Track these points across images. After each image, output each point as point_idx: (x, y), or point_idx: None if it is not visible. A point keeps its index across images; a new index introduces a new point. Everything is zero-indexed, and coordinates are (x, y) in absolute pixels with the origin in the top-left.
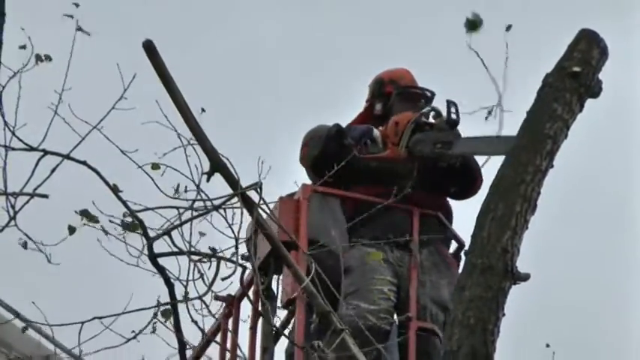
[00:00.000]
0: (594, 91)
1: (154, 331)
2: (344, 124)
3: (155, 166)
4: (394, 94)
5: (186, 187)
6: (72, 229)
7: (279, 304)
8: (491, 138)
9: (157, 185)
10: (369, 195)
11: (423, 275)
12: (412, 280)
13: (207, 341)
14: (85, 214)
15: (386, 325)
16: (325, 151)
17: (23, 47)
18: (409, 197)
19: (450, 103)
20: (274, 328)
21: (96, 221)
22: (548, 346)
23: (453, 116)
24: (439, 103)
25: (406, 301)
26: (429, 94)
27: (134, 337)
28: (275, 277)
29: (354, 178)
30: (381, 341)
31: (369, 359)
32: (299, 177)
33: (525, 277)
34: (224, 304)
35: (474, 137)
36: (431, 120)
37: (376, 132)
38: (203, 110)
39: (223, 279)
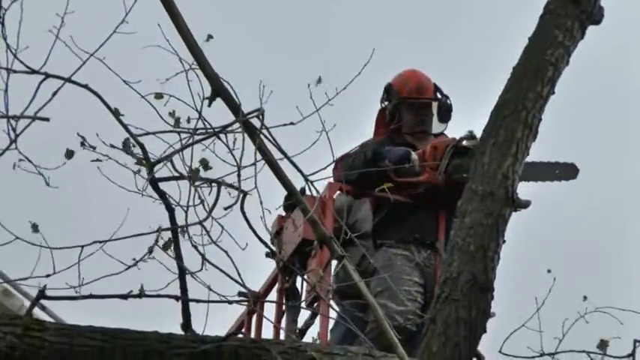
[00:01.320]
0: (596, 17)
1: (150, 253)
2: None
3: (158, 96)
4: (395, 103)
5: (188, 117)
6: (70, 153)
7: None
8: (531, 164)
9: (159, 114)
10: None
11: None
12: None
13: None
14: (83, 141)
15: (412, 326)
16: (363, 177)
17: None
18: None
19: None
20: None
21: (93, 147)
22: (549, 271)
23: None
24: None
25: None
26: (429, 101)
27: (135, 264)
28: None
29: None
30: (408, 342)
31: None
32: (301, 102)
33: (526, 204)
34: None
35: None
36: (469, 142)
37: (414, 155)
38: (210, 37)
39: (226, 208)
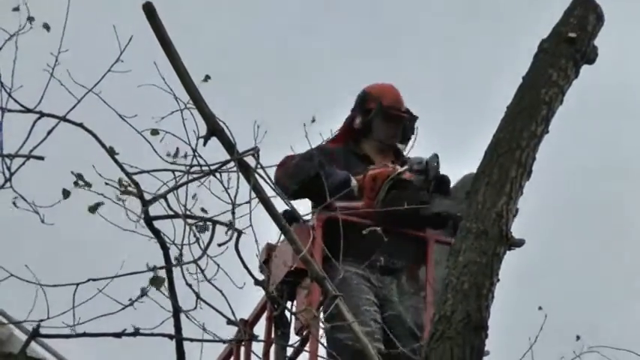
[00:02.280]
0: (590, 57)
1: (144, 295)
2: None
3: (154, 132)
4: (374, 111)
5: (185, 153)
6: (66, 193)
7: (292, 330)
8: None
9: (155, 150)
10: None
11: (407, 300)
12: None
13: None
14: (80, 177)
15: (380, 345)
16: (303, 191)
17: (17, 9)
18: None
19: (430, 161)
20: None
21: (89, 185)
22: (540, 308)
23: (432, 172)
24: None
25: (391, 324)
26: (407, 118)
27: (131, 304)
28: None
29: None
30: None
31: None
32: (295, 142)
33: (520, 243)
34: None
35: (449, 197)
36: (409, 175)
37: (354, 182)
38: (208, 77)
39: (220, 245)
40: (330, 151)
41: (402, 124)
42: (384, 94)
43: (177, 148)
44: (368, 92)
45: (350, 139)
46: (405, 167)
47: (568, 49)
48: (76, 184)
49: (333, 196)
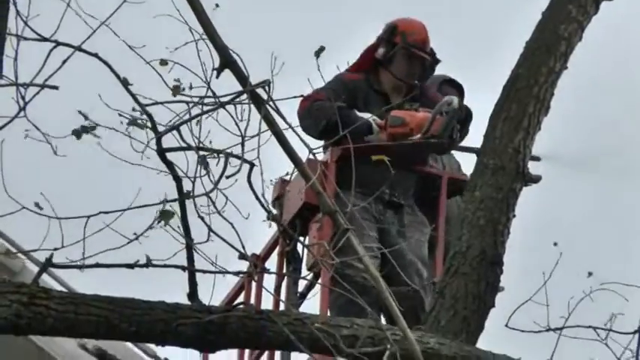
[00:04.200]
0: None
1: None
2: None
3: (163, 62)
4: (398, 46)
5: (190, 84)
6: (78, 133)
7: (304, 266)
8: None
9: (164, 81)
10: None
11: (407, 232)
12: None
13: (229, 301)
14: (86, 118)
15: None
16: (323, 135)
17: None
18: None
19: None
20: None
21: (92, 128)
22: (555, 244)
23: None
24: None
25: (391, 255)
26: (430, 60)
27: (137, 237)
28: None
29: None
30: (373, 297)
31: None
32: (312, 74)
33: (537, 179)
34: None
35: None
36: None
37: (375, 128)
38: (217, 5)
39: (228, 177)
40: (351, 85)
41: (423, 64)
42: (412, 32)
43: (180, 82)
44: (396, 25)
45: (369, 67)
46: (435, 111)
47: None
48: (84, 127)
49: (355, 140)
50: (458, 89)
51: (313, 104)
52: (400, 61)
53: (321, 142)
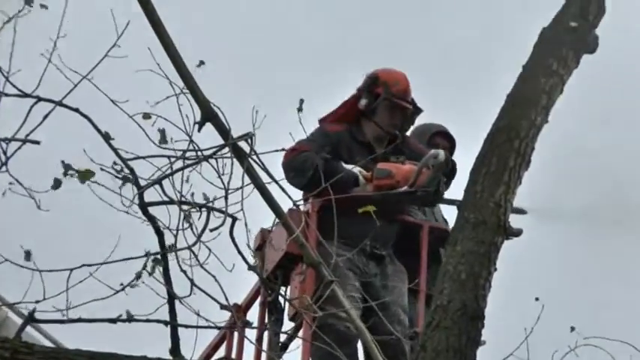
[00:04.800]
0: (590, 46)
1: (139, 278)
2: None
3: (146, 116)
4: (381, 97)
5: (171, 138)
6: (57, 183)
7: (286, 317)
8: None
9: (147, 134)
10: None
11: (390, 282)
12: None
13: (210, 352)
14: (68, 168)
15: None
16: (308, 187)
17: None
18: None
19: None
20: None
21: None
22: (537, 299)
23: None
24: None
25: (372, 306)
26: (411, 110)
27: (123, 289)
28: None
29: None
30: (354, 348)
31: None
32: (294, 129)
33: (518, 233)
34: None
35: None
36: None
37: (362, 180)
38: (202, 62)
39: (211, 230)
40: (335, 137)
41: (405, 114)
42: (394, 82)
43: (164, 130)
44: (378, 76)
45: (351, 117)
46: (421, 164)
47: (569, 38)
48: (65, 174)
49: (341, 192)
50: (450, 141)
51: (298, 156)
52: (383, 111)
53: (303, 193)
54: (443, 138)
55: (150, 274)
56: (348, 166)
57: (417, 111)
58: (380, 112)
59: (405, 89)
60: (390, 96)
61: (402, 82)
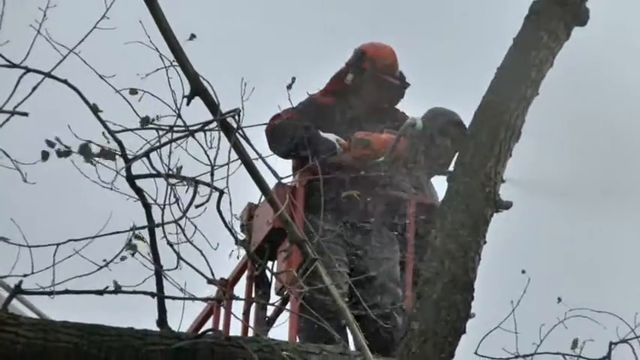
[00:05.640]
0: (581, 19)
1: (123, 252)
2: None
3: (133, 91)
4: (368, 72)
5: (157, 116)
6: (45, 155)
7: (273, 290)
8: None
9: (133, 108)
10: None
11: (379, 254)
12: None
13: (197, 325)
14: (50, 145)
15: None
16: (290, 153)
17: None
18: None
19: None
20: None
21: (67, 154)
22: (523, 272)
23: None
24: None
25: (364, 279)
26: (399, 85)
27: (107, 264)
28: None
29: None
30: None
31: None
32: (283, 102)
33: (507, 205)
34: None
35: None
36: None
37: (339, 148)
38: (193, 36)
39: (197, 206)
40: (322, 107)
41: (393, 89)
42: (381, 57)
43: (147, 116)
44: (365, 51)
45: (339, 92)
46: (399, 133)
47: (559, 11)
48: (50, 145)
49: (319, 159)
50: (464, 130)
51: (279, 124)
52: (370, 86)
53: (289, 166)
54: (456, 127)
55: (134, 250)
56: (328, 135)
57: (405, 85)
58: (367, 87)
59: (392, 64)
60: (376, 71)
61: (389, 56)
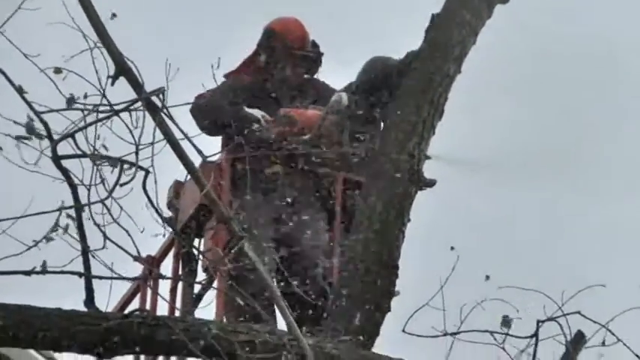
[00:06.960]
0: None
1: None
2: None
3: (57, 71)
4: (279, 49)
5: (85, 93)
6: None
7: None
8: None
9: (58, 88)
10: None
11: (307, 229)
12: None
13: (124, 303)
14: None
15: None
16: (215, 128)
17: None
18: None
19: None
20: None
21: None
22: (452, 249)
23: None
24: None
25: (289, 261)
26: (313, 56)
27: (37, 244)
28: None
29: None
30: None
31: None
32: (207, 80)
33: (431, 183)
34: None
35: None
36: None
37: (264, 124)
38: (114, 15)
39: (122, 184)
40: (245, 86)
41: (308, 61)
42: (290, 32)
43: (72, 96)
44: (273, 29)
45: (256, 72)
46: (325, 109)
47: None
48: None
49: (244, 135)
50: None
51: (206, 100)
52: (284, 63)
53: (218, 144)
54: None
55: (64, 230)
56: (253, 111)
57: (319, 54)
58: (282, 64)
59: (302, 36)
60: (287, 47)
61: (297, 30)
